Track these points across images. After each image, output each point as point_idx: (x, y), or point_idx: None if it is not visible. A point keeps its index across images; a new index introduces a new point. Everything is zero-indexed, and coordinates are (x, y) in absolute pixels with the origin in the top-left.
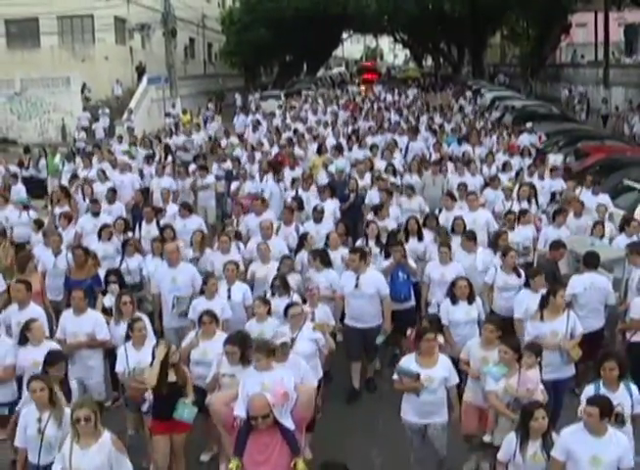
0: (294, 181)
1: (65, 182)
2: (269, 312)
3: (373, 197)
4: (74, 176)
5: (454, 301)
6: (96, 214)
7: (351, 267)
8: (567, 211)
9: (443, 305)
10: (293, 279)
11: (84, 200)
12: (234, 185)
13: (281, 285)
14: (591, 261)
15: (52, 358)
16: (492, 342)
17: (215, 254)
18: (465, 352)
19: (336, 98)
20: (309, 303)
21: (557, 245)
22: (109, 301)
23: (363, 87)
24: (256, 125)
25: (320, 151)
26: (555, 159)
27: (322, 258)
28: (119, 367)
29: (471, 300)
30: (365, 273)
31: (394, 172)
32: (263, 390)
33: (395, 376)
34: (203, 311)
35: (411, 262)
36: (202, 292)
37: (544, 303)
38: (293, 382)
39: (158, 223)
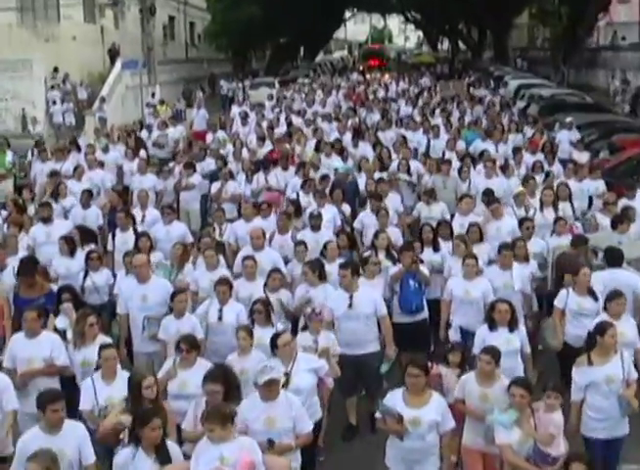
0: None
1: (33, 179)
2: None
3: None
4: (55, 174)
5: (493, 327)
6: (46, 221)
7: (343, 285)
8: (630, 217)
9: (480, 333)
10: (284, 296)
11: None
12: (215, 186)
13: (263, 311)
14: (612, 257)
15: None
16: (491, 376)
17: (199, 270)
18: (460, 390)
19: (337, 87)
20: (312, 327)
21: (580, 241)
22: (61, 322)
23: (368, 75)
24: (245, 118)
25: (318, 148)
26: (579, 156)
27: (320, 272)
28: (86, 405)
29: (513, 326)
30: (359, 291)
31: (409, 170)
32: (224, 465)
33: (378, 414)
34: (180, 337)
35: (423, 269)
36: (170, 310)
37: (591, 343)
38: (260, 454)
39: (135, 231)
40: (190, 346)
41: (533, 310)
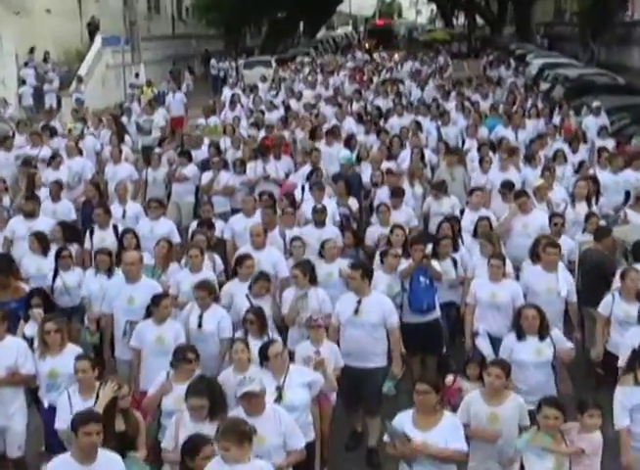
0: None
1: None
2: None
3: (383, 196)
4: (26, 162)
5: (520, 336)
6: (30, 215)
7: (351, 287)
8: None
9: (506, 342)
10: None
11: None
12: (206, 177)
13: (256, 322)
14: None
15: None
16: (500, 392)
17: (183, 271)
18: (464, 413)
19: (339, 67)
20: (312, 337)
21: (603, 232)
22: (30, 329)
23: (375, 55)
24: (235, 102)
25: (314, 135)
26: (604, 143)
27: (312, 275)
28: (61, 423)
29: (543, 334)
30: (369, 296)
31: (422, 159)
32: None
33: (386, 437)
34: (183, 347)
35: (435, 264)
36: (148, 314)
37: (635, 359)
38: None
39: (115, 229)
40: (196, 355)
41: None
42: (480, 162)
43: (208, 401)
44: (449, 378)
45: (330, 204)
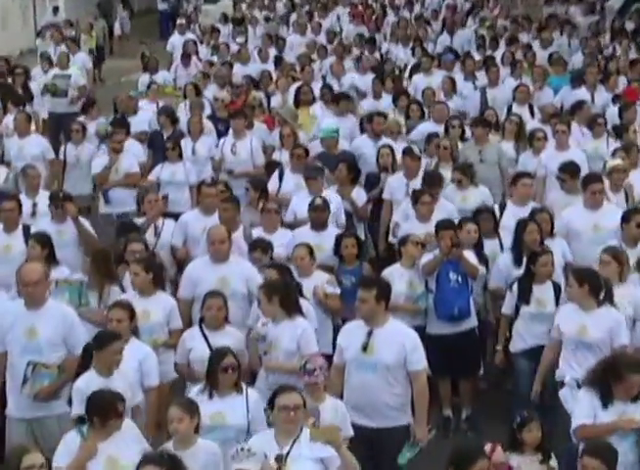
0: None
1: None
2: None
3: (395, 186)
4: None
5: (608, 402)
6: None
7: (362, 314)
8: None
9: (585, 402)
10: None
11: None
12: (99, 163)
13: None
14: None
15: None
16: None
17: (130, 294)
18: None
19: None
20: (310, 393)
21: None
22: None
23: None
24: (189, 54)
25: (299, 98)
26: None
27: (283, 298)
28: None
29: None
30: (384, 326)
31: (463, 135)
32: None
33: None
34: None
35: (469, 255)
36: (84, 366)
37: None
38: None
39: (26, 232)
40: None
41: None
42: (531, 138)
43: None
44: (487, 447)
45: (334, 199)
